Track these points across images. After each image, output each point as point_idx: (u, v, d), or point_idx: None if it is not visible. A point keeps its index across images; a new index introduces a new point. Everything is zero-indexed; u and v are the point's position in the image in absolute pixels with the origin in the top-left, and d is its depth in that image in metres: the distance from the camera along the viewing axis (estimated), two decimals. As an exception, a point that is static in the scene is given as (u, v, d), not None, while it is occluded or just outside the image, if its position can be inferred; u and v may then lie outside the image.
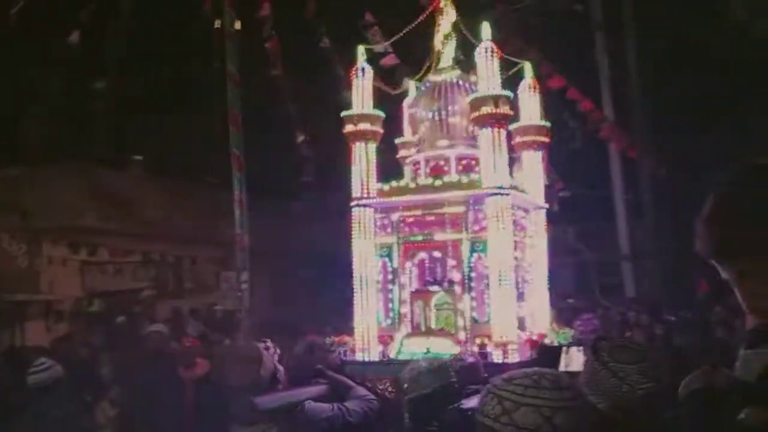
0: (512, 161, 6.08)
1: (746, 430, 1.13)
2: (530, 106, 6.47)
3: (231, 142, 8.55)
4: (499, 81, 5.67)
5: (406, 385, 3.56)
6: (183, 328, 10.93)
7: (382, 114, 6.05)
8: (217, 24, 10.11)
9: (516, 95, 6.09)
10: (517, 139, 6.42)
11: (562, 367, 5.14)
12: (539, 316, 6.26)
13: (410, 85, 6.94)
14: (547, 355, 5.45)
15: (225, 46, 8.76)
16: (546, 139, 6.62)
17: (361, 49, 6.21)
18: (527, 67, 6.59)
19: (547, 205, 6.62)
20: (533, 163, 6.50)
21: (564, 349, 5.51)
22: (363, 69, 6.07)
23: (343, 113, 6.03)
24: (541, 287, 6.39)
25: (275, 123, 12.77)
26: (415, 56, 6.91)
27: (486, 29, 5.79)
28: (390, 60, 8.47)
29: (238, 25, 8.77)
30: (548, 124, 6.67)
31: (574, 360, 5.32)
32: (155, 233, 14.42)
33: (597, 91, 14.55)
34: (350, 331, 5.91)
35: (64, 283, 13.29)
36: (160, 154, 14.37)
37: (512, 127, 6.23)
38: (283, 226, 14.71)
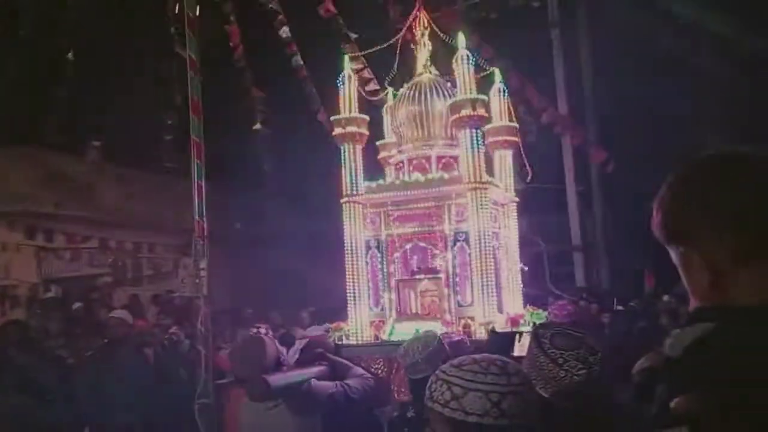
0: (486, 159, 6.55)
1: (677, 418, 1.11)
2: (501, 109, 6.97)
3: (191, 128, 8.57)
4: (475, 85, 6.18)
5: (401, 354, 3.90)
6: (142, 315, 10.97)
7: (367, 117, 6.56)
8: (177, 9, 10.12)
9: (488, 98, 6.48)
10: (490, 139, 6.86)
11: (516, 353, 5.25)
12: (514, 300, 6.76)
13: (388, 91, 7.44)
14: (498, 341, 5.59)
15: (185, 32, 8.75)
16: (516, 139, 7.09)
17: (346, 59, 6.73)
18: (497, 72, 7.12)
19: (517, 199, 7.10)
20: (504, 161, 7.02)
21: (517, 336, 5.53)
22: (348, 76, 6.57)
23: (332, 117, 6.56)
24: (514, 273, 6.89)
25: (236, 110, 12.81)
26: (390, 65, 7.18)
27: (462, 39, 6.31)
28: (366, 77, 8.68)
29: (197, 11, 8.74)
30: (517, 125, 7.16)
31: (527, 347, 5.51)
32: (113, 219, 14.33)
33: (552, 87, 14.91)
34: (335, 318, 6.55)
35: (20, 269, 13.15)
36: (118, 140, 14.26)
37: (485, 128, 6.71)
38: (244, 213, 14.77)
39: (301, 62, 13.06)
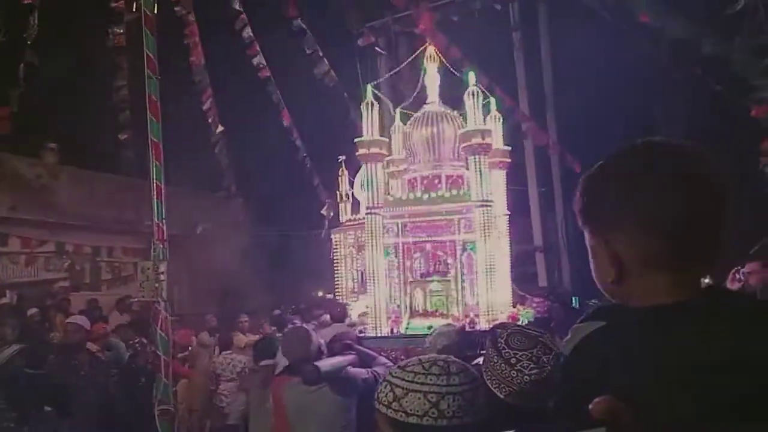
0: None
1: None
2: (495, 133, 7.78)
3: (150, 130, 8.42)
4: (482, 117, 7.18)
5: (427, 348, 4.48)
6: (101, 319, 10.73)
7: (386, 140, 7.47)
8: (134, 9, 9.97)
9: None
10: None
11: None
12: (505, 299, 7.60)
13: (397, 112, 8.35)
14: (466, 339, 5.78)
15: (143, 33, 8.60)
16: (508, 160, 8.11)
17: (369, 87, 7.45)
18: (492, 101, 7.95)
19: (509, 213, 8.06)
20: (498, 179, 7.88)
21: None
22: (371, 103, 7.33)
23: (357, 139, 7.31)
24: (506, 276, 7.76)
25: (195, 112, 12.65)
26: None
27: (472, 75, 7.19)
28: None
29: (155, 10, 8.60)
30: (509, 147, 8.13)
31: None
32: (71, 222, 14.02)
33: (514, 89, 15.06)
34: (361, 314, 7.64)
35: (-27, 274, 12.80)
36: (75, 141, 13.97)
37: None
38: (203, 216, 14.57)
39: (264, 62, 13.00)
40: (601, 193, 1.26)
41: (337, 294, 10.72)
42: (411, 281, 7.31)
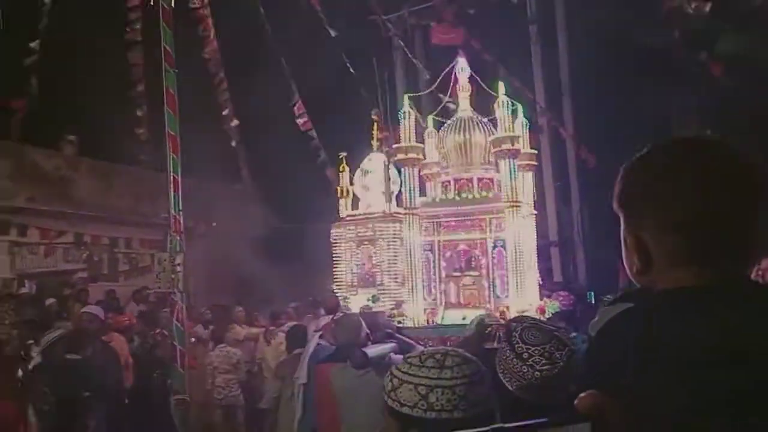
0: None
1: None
2: (523, 138, 8.21)
3: (167, 123, 8.50)
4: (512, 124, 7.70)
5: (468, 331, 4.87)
6: (118, 310, 10.86)
7: (422, 146, 8.15)
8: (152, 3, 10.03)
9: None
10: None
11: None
12: (533, 292, 8.06)
13: (428, 119, 8.85)
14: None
15: (161, 26, 8.66)
16: (535, 163, 8.66)
17: (405, 98, 8.21)
18: (519, 108, 8.24)
19: (535, 212, 8.47)
20: (526, 181, 8.37)
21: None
22: (408, 113, 8.00)
23: (395, 145, 8.04)
24: (533, 271, 8.15)
25: (213, 104, 12.73)
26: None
27: (502, 86, 7.76)
28: None
29: (172, 3, 8.66)
30: (536, 151, 8.69)
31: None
32: (89, 214, 14.17)
33: (531, 83, 14.99)
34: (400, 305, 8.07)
35: (-7, 264, 12.97)
36: (94, 134, 14.10)
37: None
38: (222, 208, 14.66)
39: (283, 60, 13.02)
40: (632, 185, 1.28)
41: (337, 288, 10.90)
42: (445, 276, 7.86)
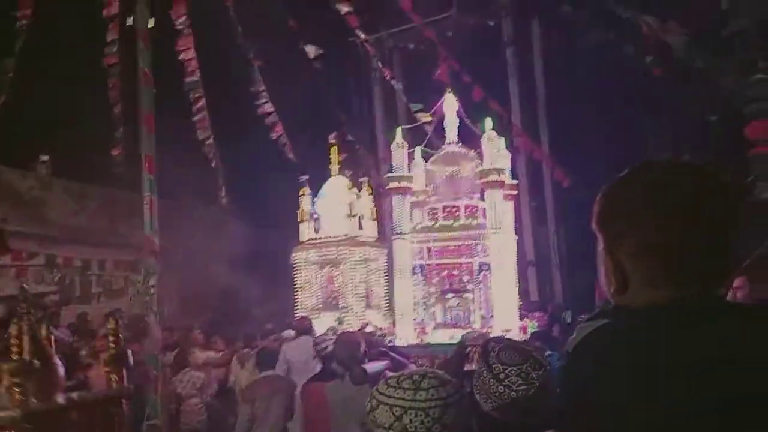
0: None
1: None
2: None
3: (142, 143, 8.44)
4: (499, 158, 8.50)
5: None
6: (90, 333, 10.65)
7: (412, 176, 8.70)
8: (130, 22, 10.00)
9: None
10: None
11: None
12: (514, 313, 8.55)
13: (416, 149, 9.32)
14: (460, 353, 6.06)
15: (138, 46, 8.62)
16: (516, 192, 9.25)
17: (399, 130, 8.92)
18: (502, 141, 8.99)
19: (516, 237, 9.05)
20: (508, 209, 8.89)
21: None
22: (399, 143, 8.69)
23: (388, 175, 8.65)
24: (514, 292, 8.67)
25: (190, 126, 12.66)
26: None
27: (489, 122, 8.53)
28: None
29: (151, 23, 8.63)
30: (517, 181, 9.34)
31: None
32: (61, 235, 13.95)
33: (507, 104, 15.16)
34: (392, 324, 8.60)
35: (-39, 287, 12.67)
36: (68, 154, 13.93)
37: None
38: (197, 229, 14.52)
39: (259, 77, 13.04)
40: (611, 207, 1.30)
41: (297, 310, 10.94)
42: (433, 297, 8.43)
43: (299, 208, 11.56)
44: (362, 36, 13.81)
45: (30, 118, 13.29)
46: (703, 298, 1.22)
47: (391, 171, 8.73)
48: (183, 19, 11.98)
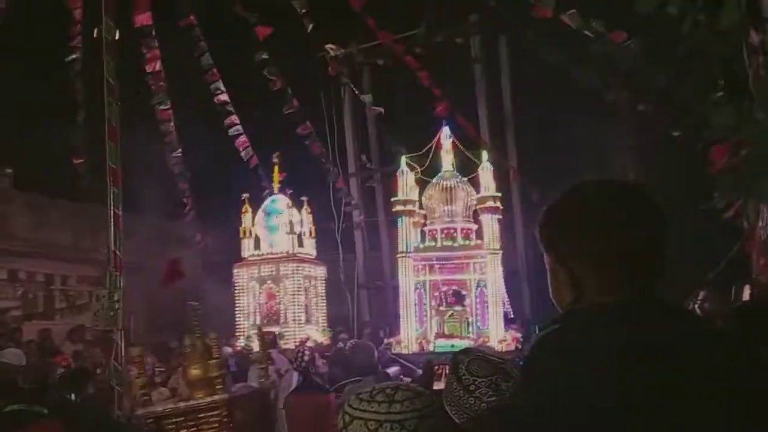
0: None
1: None
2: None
3: (108, 155, 8.31)
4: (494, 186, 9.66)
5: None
6: (52, 350, 10.41)
7: (416, 199, 9.58)
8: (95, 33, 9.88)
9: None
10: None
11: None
12: (501, 324, 9.44)
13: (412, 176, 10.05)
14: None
15: (104, 58, 8.52)
16: (501, 207, 9.79)
17: (403, 159, 9.76)
18: (484, 155, 10.07)
19: (501, 251, 9.61)
20: (492, 224, 9.58)
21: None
22: (404, 171, 9.61)
23: (394, 198, 9.56)
24: (500, 306, 9.46)
25: (152, 138, 12.52)
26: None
27: (485, 154, 9.95)
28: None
29: (117, 35, 8.53)
30: (500, 194, 9.84)
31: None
32: (24, 250, 13.66)
33: (475, 120, 15.30)
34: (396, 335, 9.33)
35: None
36: (30, 167, 13.68)
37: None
38: (160, 244, 14.33)
39: (223, 88, 12.98)
40: (564, 226, 1.42)
41: (237, 327, 11.03)
42: (435, 310, 9.26)
43: (240, 224, 11.81)
44: (331, 52, 13.86)
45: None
46: (653, 298, 1.36)
47: (395, 195, 9.64)
48: (148, 30, 11.87)
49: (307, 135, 14.29)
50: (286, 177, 12.74)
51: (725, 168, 4.96)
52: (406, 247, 9.32)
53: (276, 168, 12.35)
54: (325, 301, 12.49)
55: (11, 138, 13.18)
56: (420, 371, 6.07)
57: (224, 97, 13.02)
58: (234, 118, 13.29)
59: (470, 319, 9.16)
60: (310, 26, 12.06)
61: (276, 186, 12.24)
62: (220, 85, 12.95)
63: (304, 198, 12.34)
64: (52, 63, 12.62)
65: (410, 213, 9.35)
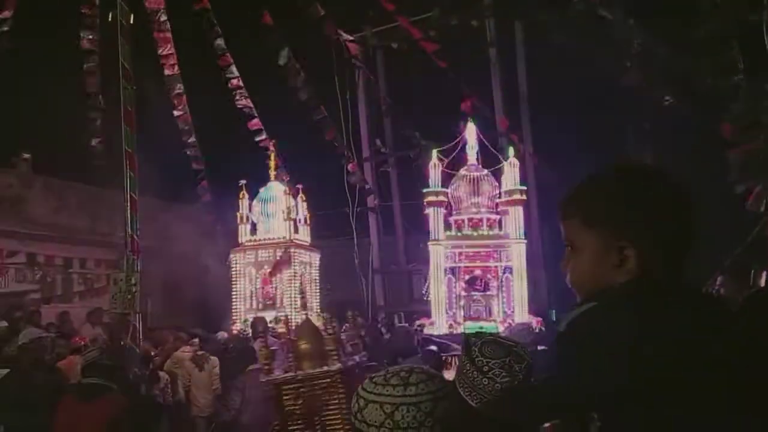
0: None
1: None
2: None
3: (124, 140, 8.37)
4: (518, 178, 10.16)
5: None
6: (71, 332, 10.55)
7: (447, 191, 10.08)
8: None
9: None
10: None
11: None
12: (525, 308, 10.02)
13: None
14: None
15: (119, 43, 8.56)
16: (524, 198, 10.23)
17: (435, 153, 10.25)
18: (511, 150, 10.66)
19: (525, 240, 10.15)
20: (517, 215, 10.11)
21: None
22: (436, 164, 10.04)
23: (426, 189, 10.04)
24: (524, 291, 10.05)
25: (170, 123, 12.59)
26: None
27: (512, 150, 10.59)
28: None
29: (131, 20, 8.57)
30: (525, 187, 10.41)
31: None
32: (42, 233, 13.82)
33: (491, 104, 15.21)
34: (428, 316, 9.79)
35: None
36: (49, 151, 13.80)
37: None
38: (177, 228, 14.44)
39: (236, 72, 13.00)
40: (633, 201, 1.40)
41: (234, 310, 11.16)
42: (464, 294, 9.90)
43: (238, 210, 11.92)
44: (344, 36, 13.83)
45: (10, 115, 13.14)
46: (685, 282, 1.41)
47: (427, 186, 10.12)
48: (161, 13, 11.90)
49: (321, 119, 14.30)
50: (298, 161, 12.84)
51: (744, 153, 4.90)
52: (437, 235, 9.88)
53: (272, 155, 12.49)
54: (319, 286, 12.70)
55: (29, 123, 13.32)
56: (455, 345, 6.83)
57: (237, 81, 13.04)
58: (247, 101, 13.31)
59: (495, 303, 9.85)
60: (322, 12, 12.03)
61: (272, 173, 12.39)
62: (234, 69, 12.96)
63: (299, 186, 12.45)
64: (69, 47, 12.70)
65: (440, 203, 9.90)
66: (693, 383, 1.25)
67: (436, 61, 12.93)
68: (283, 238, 11.81)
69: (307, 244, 12.49)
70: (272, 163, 12.49)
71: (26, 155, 14.51)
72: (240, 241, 12.08)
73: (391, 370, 1.84)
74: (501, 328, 8.82)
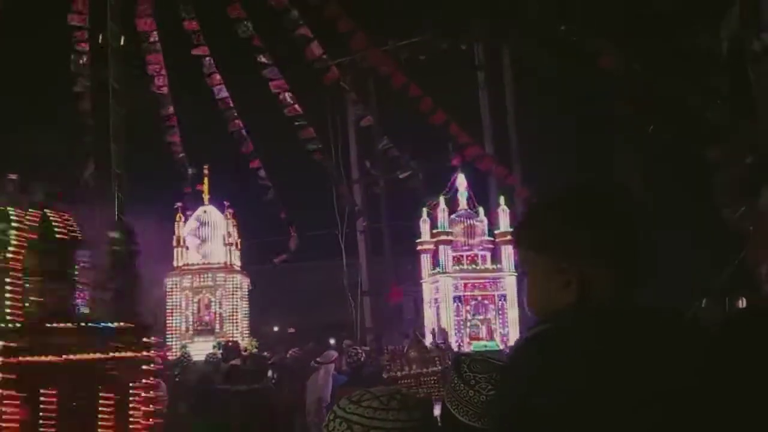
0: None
1: None
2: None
3: (113, 159, 8.33)
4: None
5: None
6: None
7: (453, 231, 12.15)
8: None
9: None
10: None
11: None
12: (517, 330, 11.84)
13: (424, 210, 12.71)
14: None
15: (108, 62, 8.56)
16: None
17: (442, 198, 12.23)
18: (502, 198, 12.70)
19: (516, 273, 11.66)
20: (509, 252, 12.14)
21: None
22: (444, 209, 12.09)
23: (434, 230, 12.21)
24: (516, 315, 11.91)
25: (159, 138, 12.60)
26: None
27: (503, 199, 12.67)
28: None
29: (122, 41, 8.58)
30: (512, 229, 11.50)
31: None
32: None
33: (479, 128, 15.33)
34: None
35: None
36: (36, 172, 13.68)
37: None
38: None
39: (226, 93, 13.02)
40: (573, 222, 1.40)
41: (168, 334, 11.01)
42: (467, 318, 11.97)
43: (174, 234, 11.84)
44: (329, 60, 13.96)
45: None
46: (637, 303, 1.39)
47: (419, 207, 12.38)
48: (151, 34, 11.97)
49: (311, 141, 14.36)
50: (288, 182, 12.85)
51: (730, 175, 4.94)
52: (444, 268, 12.00)
53: (206, 180, 12.52)
54: (248, 311, 12.74)
55: (16, 143, 13.23)
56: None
57: (227, 100, 13.09)
58: (238, 122, 13.36)
59: (493, 326, 12.05)
60: (312, 39, 12.15)
61: (206, 197, 12.40)
62: (223, 89, 13.02)
63: (230, 210, 12.50)
64: (58, 66, 12.70)
65: (447, 242, 12.03)
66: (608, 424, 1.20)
67: (413, 90, 13.11)
68: (224, 262, 11.85)
69: (239, 268, 12.65)
70: (206, 188, 12.55)
71: (13, 176, 14.39)
72: (176, 265, 12.02)
73: (378, 393, 1.79)
74: (502, 346, 10.82)
